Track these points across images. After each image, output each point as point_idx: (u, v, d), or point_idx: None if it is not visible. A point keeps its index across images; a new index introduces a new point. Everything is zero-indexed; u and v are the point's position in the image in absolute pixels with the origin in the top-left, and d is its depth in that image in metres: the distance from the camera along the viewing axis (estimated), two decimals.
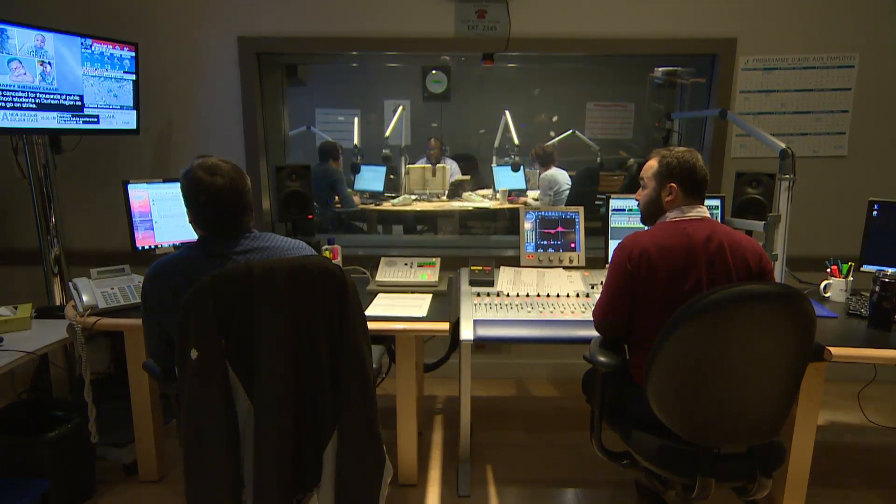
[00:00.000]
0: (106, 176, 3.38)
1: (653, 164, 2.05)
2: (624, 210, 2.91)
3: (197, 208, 1.73)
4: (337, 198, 5.05)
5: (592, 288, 2.70)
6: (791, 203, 2.39)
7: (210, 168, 1.70)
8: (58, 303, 3.02)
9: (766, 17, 3.27)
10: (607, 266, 2.16)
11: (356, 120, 4.99)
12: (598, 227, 3.46)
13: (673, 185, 2.02)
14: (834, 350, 2.06)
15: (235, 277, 1.49)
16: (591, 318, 2.11)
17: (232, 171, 1.72)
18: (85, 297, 2.45)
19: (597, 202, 4.69)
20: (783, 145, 2.37)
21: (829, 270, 2.69)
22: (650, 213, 2.06)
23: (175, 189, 2.70)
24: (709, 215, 1.98)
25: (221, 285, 1.47)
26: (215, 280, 1.46)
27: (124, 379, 2.55)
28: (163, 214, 2.73)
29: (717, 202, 2.89)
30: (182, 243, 2.77)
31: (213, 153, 3.30)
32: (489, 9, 3.23)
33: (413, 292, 2.75)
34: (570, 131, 5.45)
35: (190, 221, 1.77)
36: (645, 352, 1.81)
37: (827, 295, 2.66)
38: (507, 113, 5.02)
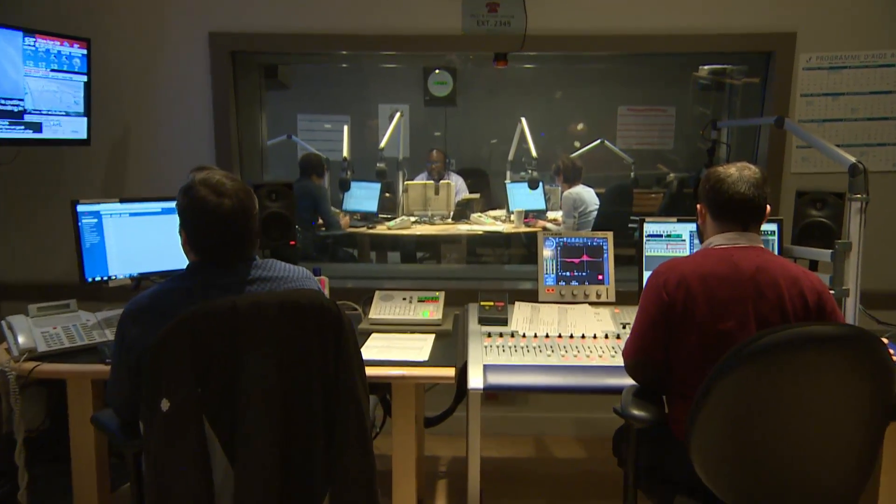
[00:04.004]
0: (49, 194, 3.44)
1: None
2: (661, 236, 2.95)
3: (198, 232, 1.77)
4: (320, 220, 5.11)
5: (624, 328, 2.74)
6: (864, 228, 2.41)
7: (216, 187, 1.74)
8: None
9: (832, 6, 3.31)
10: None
11: (345, 128, 5.06)
12: (631, 256, 3.50)
13: (700, 206, 2.10)
14: None
15: (217, 314, 1.54)
16: (623, 363, 2.15)
17: (241, 192, 1.78)
18: (21, 339, 2.46)
19: (630, 226, 4.73)
20: (853, 159, 2.38)
21: None
22: (700, 239, 2.17)
23: (136, 209, 2.79)
24: (761, 243, 2.04)
25: (200, 323, 1.52)
26: (193, 317, 1.52)
27: (63, 437, 2.55)
28: (119, 240, 2.78)
29: (772, 227, 2.94)
30: (142, 275, 2.82)
31: (179, 167, 3.38)
32: (502, 1, 3.32)
33: (412, 332, 2.79)
34: (599, 141, 5.51)
35: (183, 244, 1.83)
36: (686, 402, 1.85)
37: None
38: (524, 120, 5.09)
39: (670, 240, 2.94)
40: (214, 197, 1.73)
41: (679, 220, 2.95)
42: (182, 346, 1.52)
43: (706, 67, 4.32)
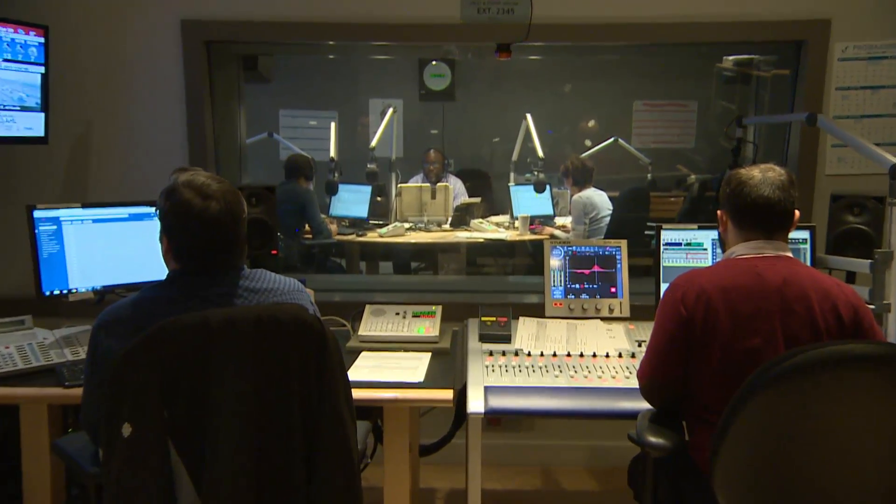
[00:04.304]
0: (1, 198, 3.44)
1: None
2: (680, 244, 2.95)
3: (182, 239, 1.79)
4: (307, 226, 5.12)
5: (639, 346, 2.74)
6: None
7: (201, 189, 1.76)
8: None
9: None
10: None
11: (332, 125, 5.07)
12: (647, 267, 3.52)
13: (721, 212, 2.12)
14: None
15: (186, 330, 1.55)
16: (638, 385, 2.16)
17: (228, 194, 1.80)
18: None
19: (646, 233, 4.74)
20: (895, 159, 2.38)
21: None
22: (722, 247, 2.19)
23: (100, 215, 2.79)
24: (790, 253, 2.05)
25: (167, 340, 1.53)
26: (159, 333, 1.52)
27: (12, 469, 2.54)
28: (81, 250, 2.78)
29: (804, 234, 2.94)
30: (106, 288, 2.82)
31: (148, 168, 3.38)
32: None
33: (406, 350, 2.80)
34: (612, 139, 5.54)
35: (164, 252, 1.84)
36: (708, 428, 1.85)
37: None
38: (529, 117, 5.12)
39: (690, 249, 2.95)
40: (200, 200, 1.75)
41: (700, 227, 2.95)
42: (147, 365, 1.52)
43: (731, 58, 4.34)
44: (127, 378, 1.52)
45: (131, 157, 3.45)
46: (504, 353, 2.70)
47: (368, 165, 4.75)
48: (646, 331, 2.83)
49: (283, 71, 5.55)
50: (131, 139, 3.46)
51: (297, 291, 1.92)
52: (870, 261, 2.49)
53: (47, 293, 2.72)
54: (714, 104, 5.35)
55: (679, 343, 1.99)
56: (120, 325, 1.73)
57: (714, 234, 2.87)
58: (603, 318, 3.04)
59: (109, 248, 2.82)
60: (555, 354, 2.68)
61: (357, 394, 2.28)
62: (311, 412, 1.67)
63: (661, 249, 2.95)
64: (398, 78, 5.77)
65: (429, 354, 2.76)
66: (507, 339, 2.83)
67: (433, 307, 3.00)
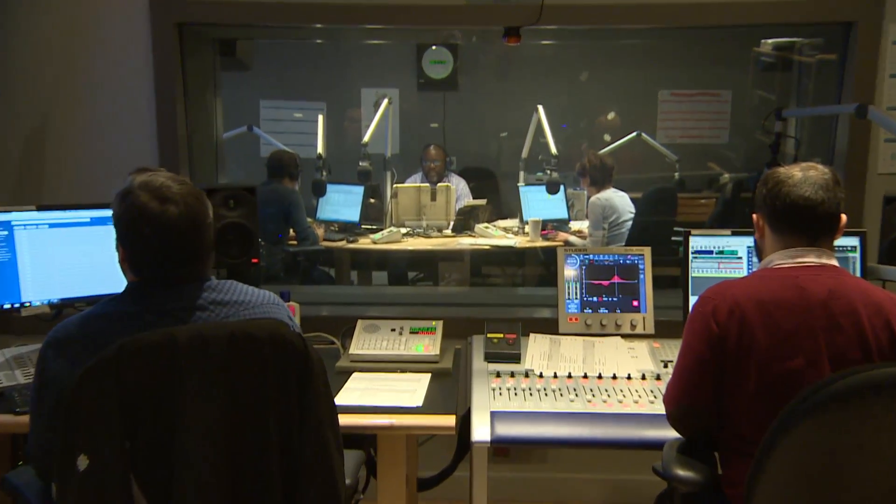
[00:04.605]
0: None
1: None
2: (712, 252, 2.94)
3: (138, 247, 1.78)
4: (292, 231, 5.12)
5: (665, 367, 2.73)
6: None
7: (159, 191, 1.76)
8: None
9: None
10: None
11: (320, 118, 5.07)
12: (675, 277, 3.51)
13: (757, 216, 2.11)
14: None
15: (150, 350, 1.53)
16: (664, 411, 2.14)
17: (189, 197, 1.79)
18: None
19: (673, 239, 4.73)
20: None
21: None
22: (759, 256, 2.18)
23: (57, 219, 2.78)
24: (836, 262, 2.04)
25: (129, 361, 1.51)
26: (120, 354, 1.51)
27: None
28: (35, 258, 2.77)
29: (853, 241, 2.92)
30: (64, 301, 2.81)
31: (111, 167, 3.38)
32: None
33: (403, 371, 2.80)
34: (635, 134, 5.54)
35: (121, 261, 1.84)
36: (744, 460, 1.84)
37: None
38: (541, 109, 5.12)
39: (723, 257, 2.94)
40: (157, 203, 1.74)
41: (734, 233, 2.94)
42: (105, 390, 1.51)
43: (769, 42, 4.33)
44: (83, 404, 1.50)
45: (93, 154, 3.44)
46: (513, 375, 2.69)
47: (360, 163, 4.75)
48: (672, 350, 2.85)
49: (264, 57, 5.57)
50: (93, 134, 3.45)
51: (273, 305, 1.91)
52: None
53: None
54: (750, 94, 5.35)
55: (710, 364, 1.98)
56: (70, 343, 1.72)
57: (750, 240, 2.86)
58: (624, 336, 3.03)
59: (68, 256, 2.82)
60: (570, 376, 2.67)
61: (347, 420, 2.29)
62: (292, 441, 1.66)
63: (690, 258, 2.94)
64: (394, 65, 5.78)
65: (428, 375, 2.75)
66: (516, 359, 2.82)
67: (433, 322, 3.00)
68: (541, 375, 2.68)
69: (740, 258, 2.92)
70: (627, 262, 3.11)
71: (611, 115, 6.15)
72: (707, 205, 5.39)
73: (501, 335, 2.91)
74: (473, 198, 5.78)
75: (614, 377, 2.65)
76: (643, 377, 2.66)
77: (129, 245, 1.80)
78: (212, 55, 3.85)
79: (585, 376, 2.66)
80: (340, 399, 2.48)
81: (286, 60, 6.08)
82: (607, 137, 5.90)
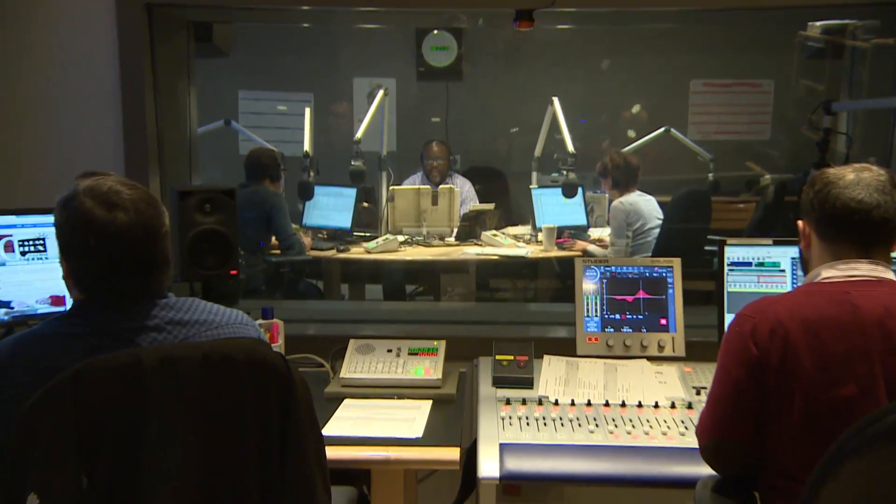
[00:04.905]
0: None
1: None
2: (750, 264, 2.93)
3: (81, 258, 1.76)
4: (274, 239, 5.11)
5: (698, 394, 2.72)
6: None
7: (106, 197, 1.73)
8: None
9: None
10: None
11: (307, 111, 5.08)
12: (708, 293, 3.49)
13: (803, 223, 2.10)
14: None
15: (111, 374, 1.52)
16: (696, 444, 2.13)
17: (141, 202, 1.77)
18: None
19: (707, 248, 4.72)
20: None
21: None
22: (804, 268, 2.17)
23: (4, 224, 2.78)
24: (892, 275, 2.02)
25: (87, 387, 1.50)
26: (76, 379, 1.49)
27: None
28: None
29: None
30: (15, 319, 2.79)
31: (71, 167, 3.36)
32: None
33: (401, 397, 2.79)
34: (663, 129, 5.54)
35: (65, 277, 1.82)
36: (787, 500, 1.83)
37: None
38: (556, 101, 5.13)
39: (764, 270, 2.93)
40: (104, 210, 1.72)
41: (776, 242, 2.93)
42: (60, 421, 1.49)
43: (818, 24, 4.31)
44: (33, 437, 1.49)
45: (49, 153, 3.43)
46: (524, 402, 2.67)
47: (352, 162, 4.75)
48: (706, 375, 2.84)
49: (244, 43, 5.58)
50: (49, 130, 3.43)
51: (242, 325, 1.88)
52: None
53: None
54: (795, 84, 5.34)
55: (749, 391, 1.96)
56: (8, 369, 1.70)
57: (794, 250, 2.85)
58: (651, 358, 3.01)
59: (17, 266, 2.81)
60: (589, 404, 2.65)
61: (338, 453, 2.29)
62: (272, 477, 1.65)
63: (726, 270, 2.93)
64: (390, 52, 5.80)
65: (429, 403, 2.74)
66: (528, 384, 2.81)
67: (435, 342, 2.98)
68: (556, 403, 2.66)
69: (783, 271, 2.91)
70: (654, 274, 3.10)
71: (636, 109, 6.15)
72: (745, 210, 5.38)
73: (512, 357, 2.90)
74: (480, 201, 5.78)
75: (640, 405, 2.64)
76: (673, 406, 2.64)
77: (74, 258, 1.78)
78: (185, 40, 3.83)
79: (607, 404, 2.65)
80: (329, 429, 2.47)
81: (269, 47, 6.09)
82: (632, 133, 5.90)
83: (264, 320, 3.01)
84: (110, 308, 1.75)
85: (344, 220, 5.29)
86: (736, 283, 2.92)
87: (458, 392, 2.85)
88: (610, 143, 5.88)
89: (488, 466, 2.25)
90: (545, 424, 2.50)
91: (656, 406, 2.63)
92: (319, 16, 4.55)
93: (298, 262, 5.14)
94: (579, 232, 5.38)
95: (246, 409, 1.62)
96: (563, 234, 5.23)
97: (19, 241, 2.80)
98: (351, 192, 5.24)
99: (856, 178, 2.00)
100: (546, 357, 3.00)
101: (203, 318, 1.81)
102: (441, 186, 5.50)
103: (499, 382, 2.82)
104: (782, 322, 1.93)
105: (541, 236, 5.21)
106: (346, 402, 2.74)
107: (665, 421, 2.53)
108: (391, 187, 5.49)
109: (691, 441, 2.28)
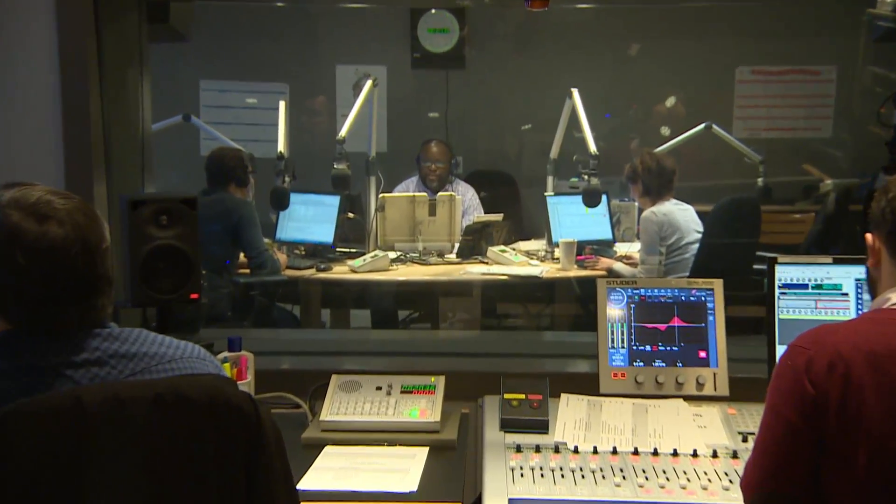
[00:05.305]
0: None
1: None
2: (806, 286, 2.93)
3: (9, 280, 1.74)
4: (243, 255, 5.11)
5: (744, 441, 2.70)
6: None
7: (35, 208, 1.73)
8: None
9: None
10: None
11: (282, 105, 5.10)
12: (757, 320, 3.48)
13: (872, 237, 2.09)
14: None
15: (48, 417, 1.51)
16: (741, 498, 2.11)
17: (78, 214, 1.76)
18: None
19: (755, 267, 4.72)
20: None
21: None
22: (872, 291, 2.16)
23: None
24: None
25: (19, 432, 1.50)
26: (6, 423, 1.49)
27: None
28: None
29: None
30: None
31: (4, 170, 3.37)
32: None
33: (392, 444, 2.78)
34: (703, 126, 5.54)
35: None
36: None
37: None
38: (576, 93, 5.15)
39: (822, 293, 2.92)
40: (34, 223, 1.71)
41: (837, 261, 2.92)
42: None
43: (889, 1, 4.32)
44: None
45: None
46: (538, 449, 2.65)
47: (335, 165, 4.75)
48: (754, 417, 2.82)
49: (206, 25, 5.59)
50: None
51: (199, 359, 1.87)
52: None
53: None
54: (862, 72, 5.35)
55: (804, 436, 1.93)
56: None
57: (859, 270, 2.84)
58: (688, 398, 2.99)
59: None
60: (615, 452, 2.63)
61: None
62: None
63: (777, 294, 2.92)
64: (380, 35, 5.81)
65: (426, 450, 2.73)
66: (542, 428, 2.79)
67: (432, 378, 2.98)
68: (576, 451, 2.64)
69: (846, 294, 2.90)
70: (692, 298, 3.09)
71: (670, 102, 6.17)
72: (802, 221, 5.38)
73: (523, 396, 2.87)
74: (486, 211, 5.80)
75: (675, 454, 2.61)
76: (714, 455, 2.62)
77: None
78: (137, 22, 3.83)
79: (636, 452, 2.62)
80: (306, 482, 2.46)
81: (236, 29, 6.11)
82: (665, 131, 5.92)
83: (231, 353, 3.00)
84: (42, 339, 1.74)
85: (325, 233, 5.30)
86: (789, 309, 2.91)
87: (459, 437, 2.85)
88: (640, 142, 5.89)
89: None
90: (563, 476, 2.48)
91: (695, 455, 2.60)
92: None
93: (271, 284, 5.14)
94: (603, 247, 5.40)
95: (205, 459, 1.61)
96: (584, 251, 5.23)
97: None
98: (333, 201, 5.26)
99: None
100: (563, 396, 2.98)
101: (153, 350, 1.80)
102: (440, 194, 5.52)
103: (508, 426, 2.79)
104: (843, 355, 1.91)
105: (557, 252, 5.22)
106: (328, 449, 2.73)
107: (705, 473, 2.50)
108: (381, 195, 5.50)
109: (736, 496, 2.26)
